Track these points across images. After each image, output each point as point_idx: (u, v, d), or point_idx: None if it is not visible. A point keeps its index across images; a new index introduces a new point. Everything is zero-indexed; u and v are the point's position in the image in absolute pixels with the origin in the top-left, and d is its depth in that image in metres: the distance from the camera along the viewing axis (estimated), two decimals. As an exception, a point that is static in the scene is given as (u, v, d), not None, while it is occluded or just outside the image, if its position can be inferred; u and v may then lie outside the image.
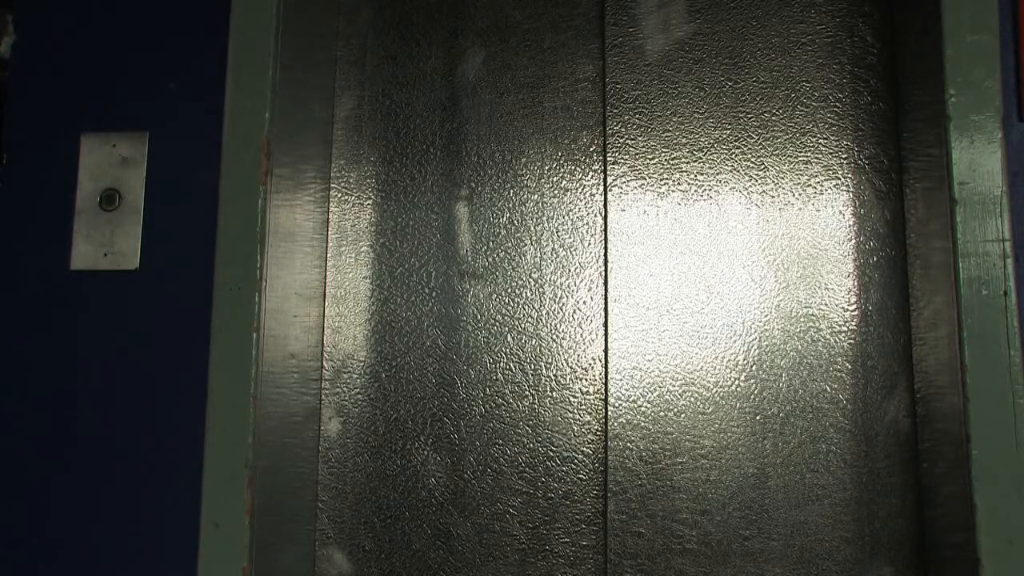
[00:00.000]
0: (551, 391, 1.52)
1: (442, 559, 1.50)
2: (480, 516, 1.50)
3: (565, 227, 1.56)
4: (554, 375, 1.52)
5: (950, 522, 1.30)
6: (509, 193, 1.58)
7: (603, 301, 1.53)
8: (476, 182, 1.59)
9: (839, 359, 1.47)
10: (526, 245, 1.56)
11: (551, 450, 1.51)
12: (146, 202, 1.38)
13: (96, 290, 1.37)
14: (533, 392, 1.52)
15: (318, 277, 1.55)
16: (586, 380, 1.52)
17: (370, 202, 1.60)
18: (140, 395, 1.34)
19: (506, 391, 1.53)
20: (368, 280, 1.58)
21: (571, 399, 1.52)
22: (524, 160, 1.58)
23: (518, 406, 1.52)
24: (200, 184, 1.36)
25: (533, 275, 1.55)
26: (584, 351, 1.52)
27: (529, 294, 1.55)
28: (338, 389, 1.56)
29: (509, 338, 1.54)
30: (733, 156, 1.54)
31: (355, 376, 1.56)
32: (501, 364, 1.54)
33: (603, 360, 1.52)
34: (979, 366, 1.21)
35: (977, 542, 1.18)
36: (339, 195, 1.61)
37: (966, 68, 1.27)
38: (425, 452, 1.53)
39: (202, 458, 1.28)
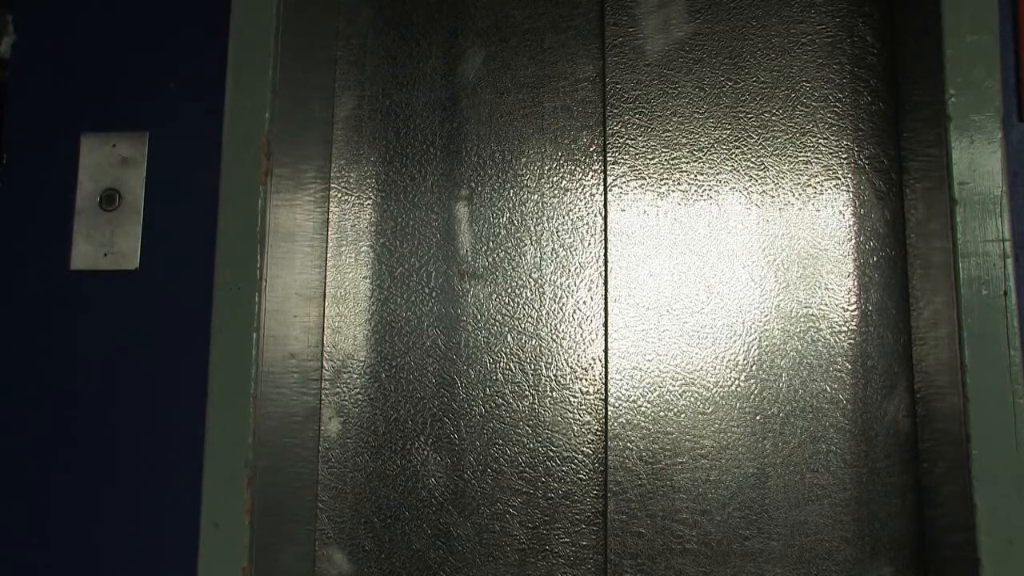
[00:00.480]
0: (551, 391, 1.52)
1: (442, 559, 1.50)
2: (480, 516, 1.50)
3: (565, 227, 1.56)
4: (554, 375, 1.52)
5: (950, 522, 1.30)
6: (509, 193, 1.58)
7: (603, 301, 1.53)
8: (476, 182, 1.59)
9: (839, 359, 1.47)
10: (526, 245, 1.56)
11: (551, 450, 1.51)
12: (146, 202, 1.38)
13: (96, 290, 1.37)
14: (533, 392, 1.52)
15: (318, 277, 1.55)
16: (586, 380, 1.52)
17: (370, 202, 1.60)
18: (140, 395, 1.34)
19: (506, 391, 1.53)
20: (368, 280, 1.58)
21: (571, 399, 1.52)
22: (524, 160, 1.58)
23: (518, 406, 1.52)
24: (200, 184, 1.36)
25: (533, 275, 1.55)
26: (584, 351, 1.52)
27: (529, 294, 1.55)
28: (338, 389, 1.56)
29: (509, 338, 1.54)
30: (733, 156, 1.54)
31: (355, 376, 1.56)
32: (501, 364, 1.54)
33: (603, 360, 1.52)
34: (979, 366, 1.21)
35: (977, 542, 1.18)
36: (339, 195, 1.61)
37: (966, 68, 1.27)
38: (425, 452, 1.53)
39: (202, 458, 1.28)
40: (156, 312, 1.35)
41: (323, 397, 1.56)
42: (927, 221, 1.37)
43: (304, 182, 1.48)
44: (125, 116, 1.41)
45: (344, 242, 1.60)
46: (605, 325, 1.52)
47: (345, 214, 1.60)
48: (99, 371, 1.35)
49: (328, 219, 1.60)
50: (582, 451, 1.50)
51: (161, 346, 1.34)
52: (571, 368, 1.52)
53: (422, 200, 1.59)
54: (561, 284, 1.55)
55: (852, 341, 1.47)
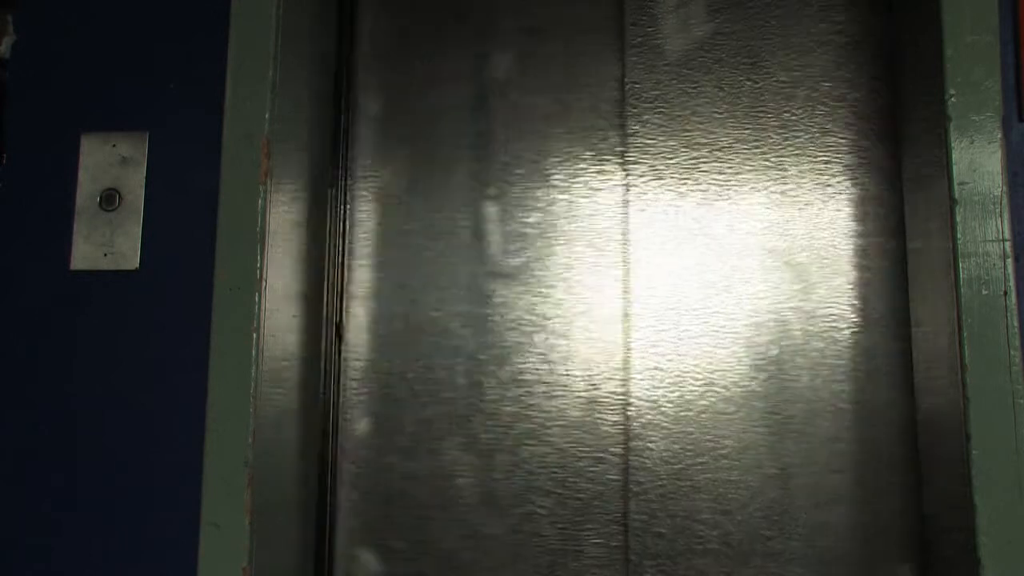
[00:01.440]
0: (582, 392, 1.51)
1: (473, 559, 1.49)
2: (511, 517, 1.50)
3: (594, 227, 1.55)
4: (585, 375, 1.51)
5: (950, 522, 1.30)
6: (538, 193, 1.57)
7: (624, 301, 1.53)
8: (505, 182, 1.58)
9: (859, 359, 1.47)
10: (555, 245, 1.56)
11: (581, 450, 1.50)
12: (146, 202, 1.38)
13: (96, 290, 1.37)
14: (563, 392, 1.52)
15: (318, 277, 1.55)
16: (616, 381, 1.51)
17: (398, 202, 1.60)
18: (140, 395, 1.34)
19: (536, 391, 1.52)
20: (397, 280, 1.58)
21: (601, 399, 1.51)
22: (552, 160, 1.57)
23: (548, 406, 1.52)
24: (200, 184, 1.36)
25: (563, 275, 1.55)
26: (611, 351, 1.52)
27: (559, 295, 1.54)
28: (367, 389, 1.55)
29: (537, 338, 1.53)
30: (753, 156, 1.53)
31: (384, 376, 1.55)
32: (530, 364, 1.53)
33: (625, 360, 1.51)
34: (979, 366, 1.21)
35: (977, 542, 1.18)
36: (367, 195, 1.60)
37: (966, 68, 1.27)
38: (455, 452, 1.52)
39: (202, 458, 1.28)
40: (156, 312, 1.35)
41: (352, 397, 1.55)
42: (927, 221, 1.37)
43: (304, 182, 1.48)
44: (125, 116, 1.41)
45: (373, 242, 1.59)
46: (625, 324, 1.52)
47: (373, 214, 1.60)
48: (99, 371, 1.35)
49: (329, 219, 1.59)
50: (612, 451, 1.49)
51: (161, 346, 1.34)
52: (601, 369, 1.51)
53: (451, 200, 1.59)
54: (590, 284, 1.54)
55: (864, 340, 1.47)
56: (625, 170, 1.56)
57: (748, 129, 1.54)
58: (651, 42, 1.58)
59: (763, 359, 1.49)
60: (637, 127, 1.56)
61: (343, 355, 1.58)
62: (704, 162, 1.54)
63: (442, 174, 1.60)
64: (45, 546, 1.32)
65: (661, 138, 1.56)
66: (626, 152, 1.56)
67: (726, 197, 1.53)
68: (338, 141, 1.63)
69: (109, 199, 1.38)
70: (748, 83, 1.55)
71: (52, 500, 1.33)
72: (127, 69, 1.42)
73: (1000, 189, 1.24)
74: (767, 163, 1.53)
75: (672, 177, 1.55)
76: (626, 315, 1.52)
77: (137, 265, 1.37)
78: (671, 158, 1.55)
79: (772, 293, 1.50)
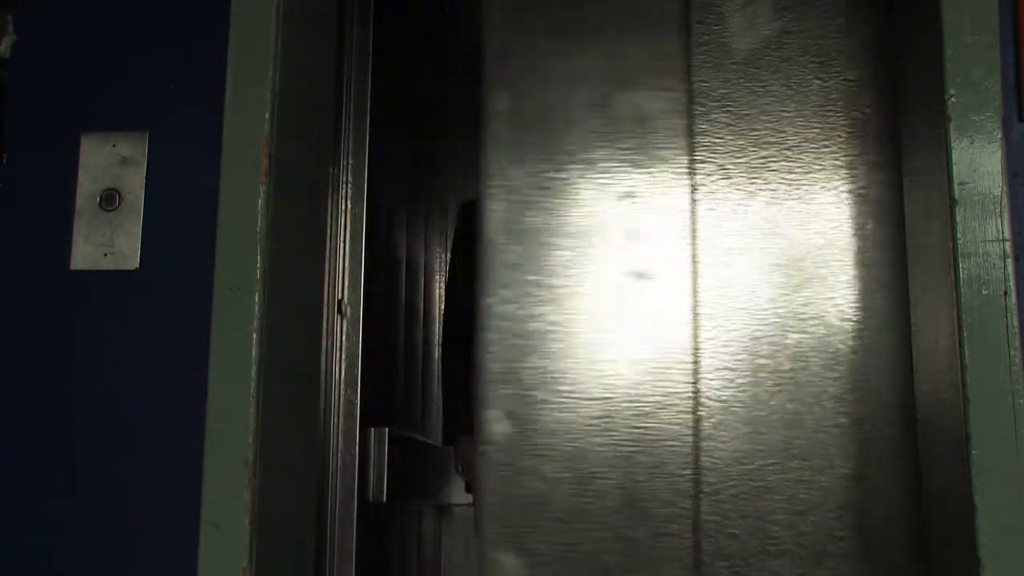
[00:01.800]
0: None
1: (616, 562, 1.48)
2: (654, 519, 1.48)
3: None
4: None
5: (950, 522, 1.29)
6: (670, 192, 1.56)
7: (693, 300, 1.52)
8: (636, 180, 1.57)
9: (923, 358, 1.46)
10: (682, 242, 1.54)
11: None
12: (146, 202, 1.38)
13: (96, 290, 1.37)
14: (696, 392, 1.51)
15: (318, 276, 1.55)
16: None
17: (530, 201, 1.58)
18: (140, 395, 1.33)
19: (675, 391, 1.51)
20: (530, 280, 1.56)
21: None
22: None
23: (686, 407, 1.51)
24: (200, 184, 1.36)
25: (689, 276, 1.54)
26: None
27: (693, 295, 1.53)
28: (506, 392, 1.53)
29: (670, 338, 1.52)
30: (822, 155, 1.53)
31: (521, 378, 1.54)
32: (665, 364, 1.52)
33: (695, 359, 1.50)
34: (979, 366, 1.21)
35: (977, 542, 1.17)
36: (499, 194, 1.58)
37: (966, 68, 1.26)
38: (594, 454, 1.51)
39: (202, 458, 1.28)
40: (156, 312, 1.35)
41: (489, 399, 1.53)
42: (927, 221, 1.37)
43: (305, 182, 1.48)
44: (125, 116, 1.41)
45: (504, 241, 1.57)
46: (695, 324, 1.51)
47: (505, 212, 1.58)
48: (99, 371, 1.35)
49: (342, 217, 1.58)
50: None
51: (161, 346, 1.34)
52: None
53: (583, 199, 1.57)
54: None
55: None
56: (693, 169, 1.54)
57: (817, 128, 1.53)
58: (718, 40, 1.57)
59: (833, 359, 1.48)
60: (705, 126, 1.55)
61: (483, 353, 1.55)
62: (773, 161, 1.53)
63: (575, 173, 1.58)
64: (45, 546, 1.31)
65: (729, 137, 1.54)
66: (694, 151, 1.54)
67: (796, 196, 1.52)
68: (339, 135, 1.62)
69: (109, 199, 1.38)
70: (817, 82, 1.54)
71: (52, 500, 1.32)
72: (127, 69, 1.42)
73: (1000, 189, 1.24)
74: (837, 162, 1.52)
75: (741, 176, 1.53)
76: (695, 315, 1.51)
77: (137, 265, 1.37)
78: (740, 157, 1.54)
79: (842, 292, 1.49)
